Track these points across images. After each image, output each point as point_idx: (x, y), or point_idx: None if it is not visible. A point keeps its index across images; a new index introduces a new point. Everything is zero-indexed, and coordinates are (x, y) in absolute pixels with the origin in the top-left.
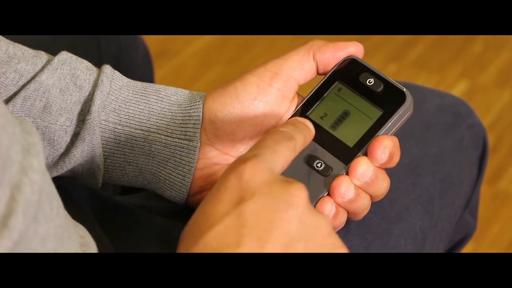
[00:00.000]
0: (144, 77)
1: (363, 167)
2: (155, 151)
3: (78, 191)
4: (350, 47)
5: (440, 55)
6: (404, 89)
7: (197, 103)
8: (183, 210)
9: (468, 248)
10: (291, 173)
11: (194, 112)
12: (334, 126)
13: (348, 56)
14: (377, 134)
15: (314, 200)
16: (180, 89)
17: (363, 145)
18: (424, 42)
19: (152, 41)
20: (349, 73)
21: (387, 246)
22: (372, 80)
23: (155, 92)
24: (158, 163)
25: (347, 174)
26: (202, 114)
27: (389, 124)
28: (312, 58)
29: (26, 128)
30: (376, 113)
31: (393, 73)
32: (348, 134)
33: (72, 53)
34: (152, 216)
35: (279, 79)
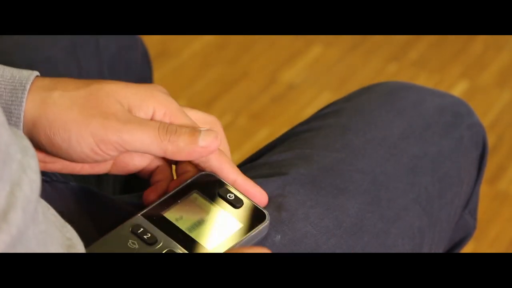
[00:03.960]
0: (143, 77)
1: None
2: None
3: (74, 191)
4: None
5: (440, 55)
6: (265, 210)
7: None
8: None
9: (468, 248)
10: None
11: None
12: (191, 229)
13: (206, 172)
14: (235, 244)
15: None
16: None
17: (220, 250)
18: (424, 42)
19: (152, 41)
20: (207, 184)
21: (384, 246)
22: (232, 196)
23: None
24: None
25: None
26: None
27: (247, 237)
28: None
29: (18, 132)
30: (235, 225)
31: (393, 73)
32: (206, 239)
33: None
34: None
35: (118, 149)
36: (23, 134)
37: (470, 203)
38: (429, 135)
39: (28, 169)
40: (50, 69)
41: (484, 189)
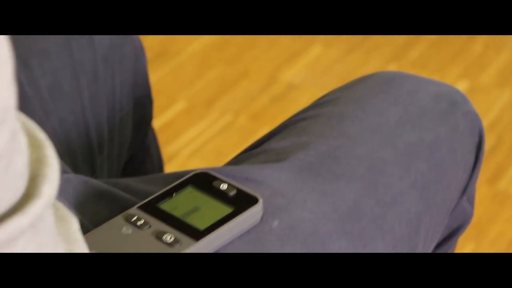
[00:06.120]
0: (137, 71)
1: None
2: None
3: (70, 182)
4: None
5: (440, 55)
6: (258, 195)
7: None
8: None
9: (468, 248)
10: (137, 247)
11: None
12: (185, 216)
13: (200, 170)
14: (228, 222)
15: None
16: None
17: (213, 230)
18: (424, 42)
19: (152, 41)
20: (201, 180)
21: (381, 230)
22: (225, 185)
23: None
24: None
25: None
26: None
27: (239, 218)
28: None
29: (43, 144)
30: (227, 209)
31: None
32: (199, 221)
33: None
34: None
35: None
36: (46, 144)
37: (467, 190)
38: (425, 122)
39: (51, 159)
40: (44, 62)
41: (484, 189)
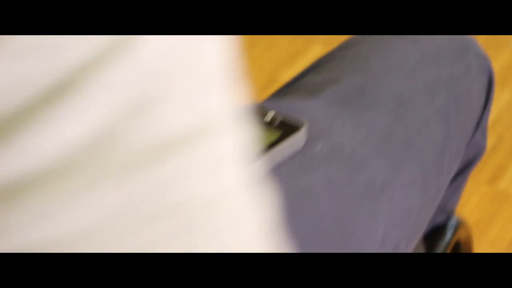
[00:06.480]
0: None
1: None
2: None
3: None
4: None
5: None
6: (301, 122)
7: None
8: None
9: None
10: None
11: None
12: None
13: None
14: (276, 146)
15: None
16: None
17: (263, 153)
18: None
19: None
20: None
21: (411, 153)
22: (271, 114)
23: None
24: None
25: None
26: None
27: (283, 143)
28: None
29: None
30: (275, 135)
31: None
32: None
33: None
34: None
35: None
36: None
37: (481, 124)
38: (441, 60)
39: None
40: None
41: (484, 189)
